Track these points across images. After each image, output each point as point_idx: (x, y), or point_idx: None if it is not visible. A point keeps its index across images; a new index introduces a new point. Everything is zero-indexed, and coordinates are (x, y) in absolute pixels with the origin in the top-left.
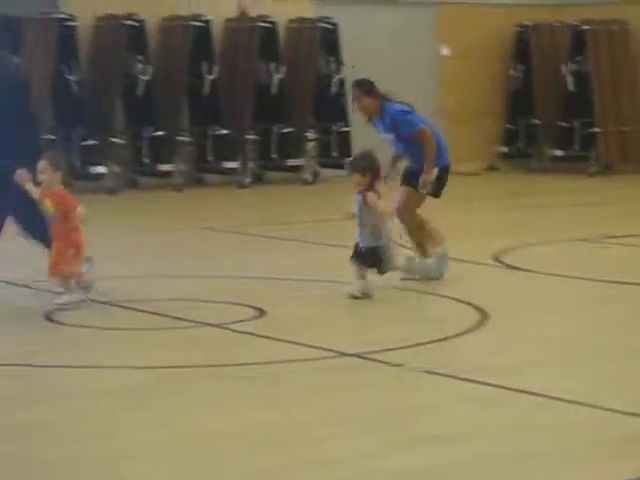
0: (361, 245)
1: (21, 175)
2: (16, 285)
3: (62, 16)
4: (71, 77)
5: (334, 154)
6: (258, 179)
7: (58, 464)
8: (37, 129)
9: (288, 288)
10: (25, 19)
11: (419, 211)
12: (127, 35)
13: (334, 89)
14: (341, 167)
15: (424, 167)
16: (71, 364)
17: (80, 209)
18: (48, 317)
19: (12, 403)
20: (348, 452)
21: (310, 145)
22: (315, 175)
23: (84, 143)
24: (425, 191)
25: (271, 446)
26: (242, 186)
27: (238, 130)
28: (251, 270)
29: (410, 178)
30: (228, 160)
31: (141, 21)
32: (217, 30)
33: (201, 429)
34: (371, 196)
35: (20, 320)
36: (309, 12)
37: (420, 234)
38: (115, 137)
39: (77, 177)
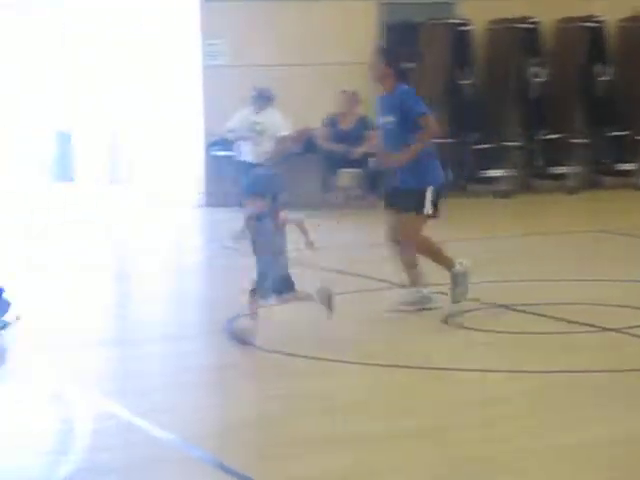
0: (280, 274)
1: None
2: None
3: (457, 21)
4: (465, 81)
5: None
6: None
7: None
8: None
9: None
10: (421, 24)
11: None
12: (521, 38)
13: None
14: None
15: (405, 150)
16: (465, 367)
17: None
18: (445, 320)
19: (412, 405)
20: None
21: None
22: None
23: (478, 147)
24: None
25: None
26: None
27: (635, 130)
28: None
29: (400, 203)
30: (626, 162)
31: (536, 23)
32: (612, 30)
33: (595, 435)
34: (284, 214)
35: (419, 322)
36: None
37: (434, 254)
38: (509, 140)
39: (471, 180)
